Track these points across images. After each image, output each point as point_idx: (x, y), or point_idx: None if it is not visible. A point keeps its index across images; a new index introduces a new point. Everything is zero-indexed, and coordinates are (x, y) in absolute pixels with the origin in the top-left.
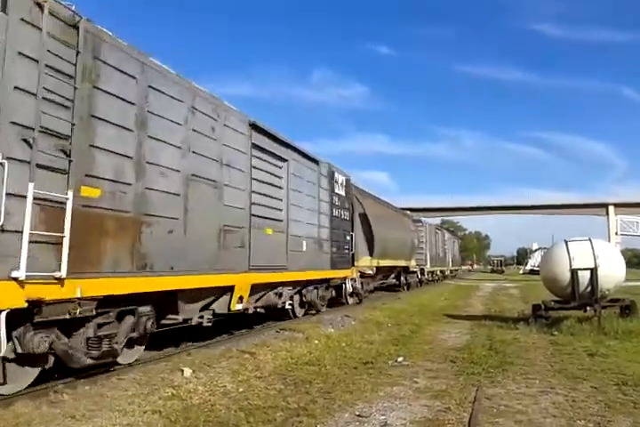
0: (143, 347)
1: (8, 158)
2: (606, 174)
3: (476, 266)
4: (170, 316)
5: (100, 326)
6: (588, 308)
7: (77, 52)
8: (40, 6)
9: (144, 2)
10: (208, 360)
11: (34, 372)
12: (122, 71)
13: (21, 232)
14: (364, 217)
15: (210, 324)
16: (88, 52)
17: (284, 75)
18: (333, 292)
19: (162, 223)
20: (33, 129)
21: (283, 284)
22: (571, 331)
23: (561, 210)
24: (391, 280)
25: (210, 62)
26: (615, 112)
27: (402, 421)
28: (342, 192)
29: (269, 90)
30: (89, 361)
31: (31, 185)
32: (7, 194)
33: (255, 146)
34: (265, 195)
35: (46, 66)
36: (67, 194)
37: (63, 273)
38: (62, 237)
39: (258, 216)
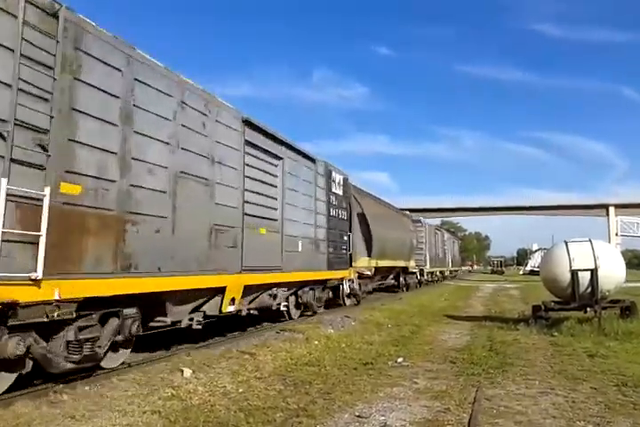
0: (129, 350)
1: None
2: (607, 175)
3: (476, 267)
4: (158, 318)
5: (81, 329)
6: (588, 309)
7: (57, 42)
8: None
9: (144, 2)
10: (208, 361)
11: (10, 377)
12: (106, 63)
13: None
14: (362, 217)
15: (200, 326)
16: (69, 42)
17: (284, 75)
18: (330, 293)
19: (148, 222)
20: (8, 122)
21: (277, 285)
22: (571, 332)
23: (561, 211)
24: (390, 281)
25: (210, 62)
26: (615, 112)
27: (401, 421)
28: (340, 191)
29: (269, 90)
30: (69, 366)
31: (4, 181)
32: None
33: (249, 143)
34: (259, 193)
35: (23, 56)
36: (44, 191)
37: (39, 274)
38: (39, 235)
39: (251, 215)
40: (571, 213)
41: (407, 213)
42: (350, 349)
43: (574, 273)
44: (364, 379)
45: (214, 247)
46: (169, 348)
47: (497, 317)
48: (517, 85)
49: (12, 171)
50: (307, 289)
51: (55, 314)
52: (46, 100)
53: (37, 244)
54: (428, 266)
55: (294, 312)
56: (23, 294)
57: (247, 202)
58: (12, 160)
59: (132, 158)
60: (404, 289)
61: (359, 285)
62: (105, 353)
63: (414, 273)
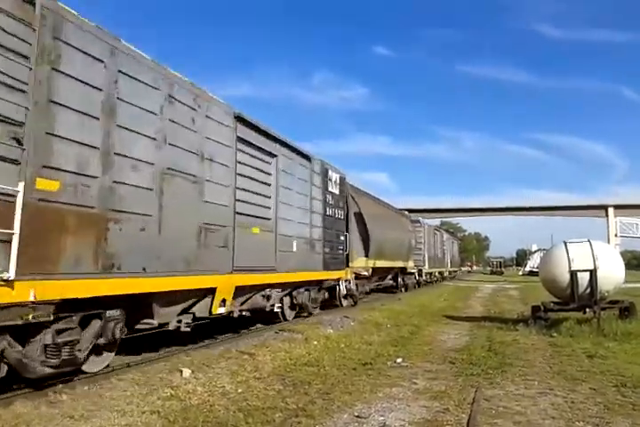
0: (113, 354)
1: None
2: (607, 175)
3: (475, 267)
4: (144, 320)
5: (59, 331)
6: (587, 309)
7: (33, 30)
8: None
9: (144, 3)
10: (207, 361)
11: None
12: (87, 54)
13: None
14: (359, 216)
15: (188, 329)
16: (47, 30)
17: (285, 76)
18: (326, 294)
19: (133, 220)
20: None
21: (271, 285)
22: (570, 332)
23: (560, 211)
24: (388, 282)
25: (210, 63)
26: (615, 112)
27: (401, 422)
28: (336, 190)
29: (269, 90)
30: (47, 370)
31: None
32: None
33: (241, 139)
34: (251, 192)
35: None
36: (17, 186)
37: (12, 274)
38: (12, 234)
39: (243, 214)
40: (570, 214)
41: (406, 213)
42: (349, 349)
43: (573, 274)
44: (363, 379)
45: (203, 247)
46: (169, 347)
47: (496, 317)
48: (517, 85)
49: None
50: (302, 290)
51: (30, 316)
52: (22, 91)
53: (10, 242)
54: (426, 266)
55: (289, 313)
56: None
57: (239, 200)
58: None
59: (116, 154)
60: (403, 290)
61: (356, 285)
62: (87, 357)
63: (413, 274)
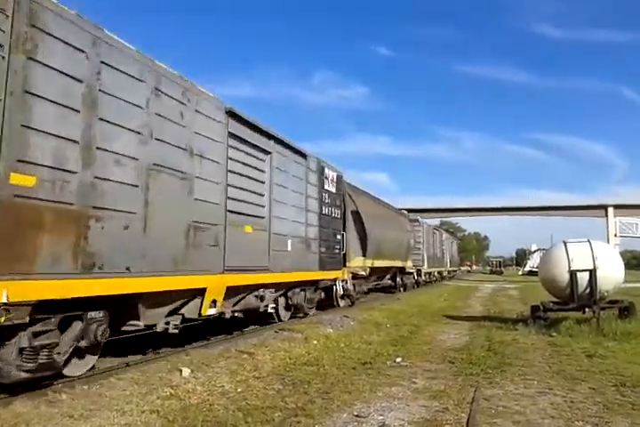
0: (97, 356)
1: None
2: (607, 175)
3: (474, 267)
4: (130, 322)
5: (36, 334)
6: (586, 309)
7: (7, 17)
8: None
9: (144, 2)
10: (206, 360)
11: None
12: (67, 43)
13: None
14: (357, 215)
15: (176, 331)
16: (22, 17)
17: (285, 75)
18: (323, 294)
19: (115, 218)
20: None
21: (265, 286)
22: (569, 332)
23: (560, 211)
24: (386, 281)
25: (210, 62)
26: (615, 112)
27: (400, 421)
28: (333, 189)
29: (269, 90)
30: (23, 375)
31: None
32: None
33: (232, 135)
34: (244, 189)
35: None
36: None
37: None
38: None
39: (235, 212)
40: (570, 214)
41: (404, 212)
42: (349, 348)
43: (573, 274)
44: (362, 379)
45: (193, 246)
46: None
47: (496, 317)
48: (517, 85)
49: None
50: (297, 290)
51: (3, 319)
52: None
53: None
54: (425, 266)
55: (284, 314)
56: None
57: (231, 198)
58: None
59: (98, 148)
60: (402, 290)
61: (353, 285)
62: (68, 360)
63: (411, 273)
